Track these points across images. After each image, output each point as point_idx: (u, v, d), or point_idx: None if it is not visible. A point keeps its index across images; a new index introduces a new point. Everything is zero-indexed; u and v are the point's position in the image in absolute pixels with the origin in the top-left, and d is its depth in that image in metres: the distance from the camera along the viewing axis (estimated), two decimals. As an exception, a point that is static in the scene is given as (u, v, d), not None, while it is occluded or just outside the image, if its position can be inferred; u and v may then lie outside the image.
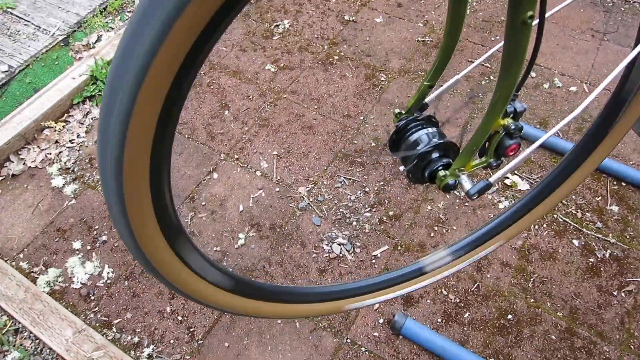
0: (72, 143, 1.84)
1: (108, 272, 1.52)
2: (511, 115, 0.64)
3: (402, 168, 0.75)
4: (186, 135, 1.84)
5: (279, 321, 1.41)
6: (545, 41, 2.17)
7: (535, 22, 0.58)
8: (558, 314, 1.42)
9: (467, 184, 0.68)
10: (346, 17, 2.27)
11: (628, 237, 1.58)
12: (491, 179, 0.68)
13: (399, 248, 1.55)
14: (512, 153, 0.66)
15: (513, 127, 0.63)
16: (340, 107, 1.93)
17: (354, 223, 1.61)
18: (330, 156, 1.78)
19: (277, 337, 1.39)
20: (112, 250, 1.56)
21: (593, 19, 2.27)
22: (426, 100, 0.74)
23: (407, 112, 0.73)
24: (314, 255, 1.54)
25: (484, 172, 1.66)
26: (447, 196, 1.67)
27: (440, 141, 0.69)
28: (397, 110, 0.73)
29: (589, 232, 1.59)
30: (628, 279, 1.49)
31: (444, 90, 0.74)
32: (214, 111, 1.92)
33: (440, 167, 0.69)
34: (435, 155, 0.69)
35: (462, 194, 1.67)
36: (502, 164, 0.70)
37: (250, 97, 1.96)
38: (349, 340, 1.38)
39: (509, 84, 0.56)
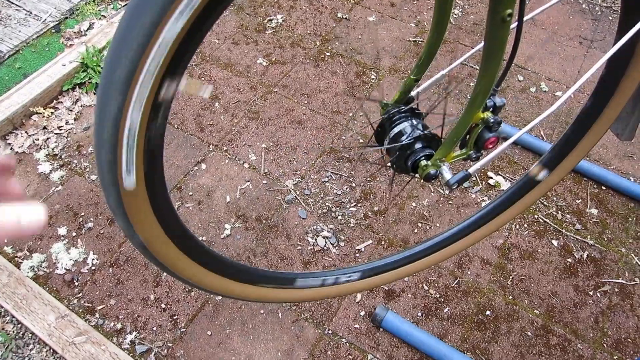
0: (61, 129, 1.84)
1: (93, 259, 1.53)
2: (491, 109, 0.66)
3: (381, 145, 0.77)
4: (175, 126, 1.85)
5: (262, 311, 1.43)
6: (533, 46, 2.21)
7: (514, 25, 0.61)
8: (535, 311, 1.46)
9: (447, 174, 0.70)
10: (339, 15, 2.29)
11: (606, 239, 1.62)
12: (470, 170, 0.70)
13: (383, 243, 1.58)
14: (491, 146, 0.69)
15: (492, 120, 0.66)
16: (330, 103, 1.95)
17: (339, 217, 1.63)
18: (318, 151, 1.80)
19: (260, 326, 1.40)
20: (97, 237, 1.57)
21: (582, 26, 2.32)
22: (412, 93, 0.77)
23: (393, 104, 0.76)
24: (299, 247, 1.56)
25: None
26: (432, 194, 1.70)
27: (423, 132, 0.71)
28: (383, 102, 0.75)
29: (568, 233, 1.62)
30: (604, 279, 1.53)
31: (429, 84, 0.76)
32: (204, 103, 1.93)
33: (423, 158, 0.71)
34: (418, 145, 0.71)
35: (447, 192, 1.70)
36: (481, 156, 0.72)
37: (241, 90, 1.98)
38: (330, 332, 1.40)
39: (488, 78, 0.59)
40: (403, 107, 0.73)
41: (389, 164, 0.75)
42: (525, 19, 0.59)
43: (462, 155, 0.71)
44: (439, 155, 0.70)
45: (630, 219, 1.68)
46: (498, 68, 0.58)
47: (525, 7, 0.58)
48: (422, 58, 0.71)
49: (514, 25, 0.61)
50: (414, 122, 0.72)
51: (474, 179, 1.75)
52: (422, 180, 0.72)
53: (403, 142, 0.70)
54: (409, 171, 0.73)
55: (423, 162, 0.71)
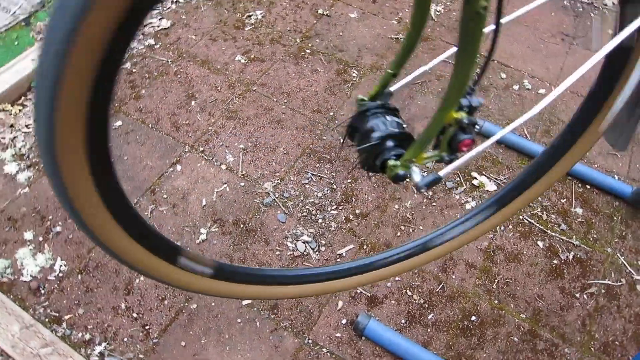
0: (29, 128, 1.75)
1: (60, 265, 1.45)
2: (466, 110, 0.62)
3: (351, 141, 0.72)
4: (150, 125, 1.78)
5: (239, 320, 1.37)
6: (516, 43, 2.18)
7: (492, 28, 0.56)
8: (521, 315, 1.42)
9: (417, 175, 0.65)
10: (320, 11, 2.23)
11: (591, 239, 1.59)
12: (441, 173, 0.66)
13: (365, 247, 1.53)
14: (465, 148, 0.64)
15: (466, 121, 0.61)
16: (311, 102, 1.89)
17: (320, 220, 1.57)
18: (298, 152, 1.74)
19: (237, 336, 1.34)
20: (65, 242, 1.49)
21: (563, 22, 2.29)
22: (391, 89, 0.72)
23: (370, 100, 0.71)
24: (278, 252, 1.50)
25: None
26: (415, 195, 1.65)
27: (394, 130, 0.66)
28: (359, 97, 0.70)
29: (553, 234, 1.59)
30: (590, 281, 1.50)
31: (409, 80, 0.71)
32: (180, 101, 1.86)
33: (393, 157, 0.66)
34: (388, 144, 0.66)
35: (430, 193, 1.66)
36: (456, 159, 0.67)
37: (219, 88, 1.91)
38: (310, 341, 1.34)
39: (462, 75, 0.54)
40: (377, 103, 0.69)
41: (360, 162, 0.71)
42: (510, 18, 0.55)
43: (434, 156, 0.67)
44: (409, 156, 0.65)
45: (615, 218, 1.65)
46: (472, 65, 0.53)
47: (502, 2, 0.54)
48: (401, 52, 0.66)
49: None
50: (387, 118, 0.67)
51: (458, 179, 1.71)
52: (391, 181, 0.67)
53: (372, 141, 0.66)
54: (379, 170, 0.69)
55: (392, 162, 0.66)
